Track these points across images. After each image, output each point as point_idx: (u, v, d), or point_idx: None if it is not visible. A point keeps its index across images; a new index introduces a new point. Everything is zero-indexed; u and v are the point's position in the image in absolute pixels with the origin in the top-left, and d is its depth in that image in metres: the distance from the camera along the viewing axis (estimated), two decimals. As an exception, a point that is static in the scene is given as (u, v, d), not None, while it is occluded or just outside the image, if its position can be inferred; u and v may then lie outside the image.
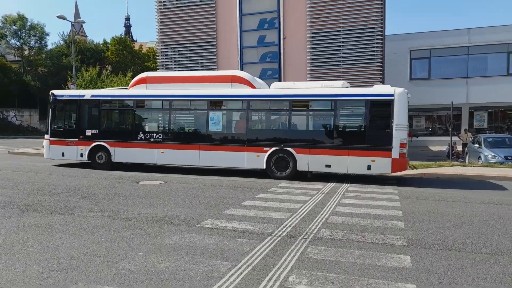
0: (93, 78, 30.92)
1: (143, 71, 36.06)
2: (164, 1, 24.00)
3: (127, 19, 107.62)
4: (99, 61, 45.16)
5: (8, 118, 37.04)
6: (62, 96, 15.10)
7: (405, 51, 29.64)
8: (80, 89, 26.07)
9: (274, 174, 12.64)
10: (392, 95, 11.61)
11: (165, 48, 24.61)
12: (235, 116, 13.67)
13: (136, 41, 74.38)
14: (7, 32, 42.76)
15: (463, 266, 4.86)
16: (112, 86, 28.00)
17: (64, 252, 5.18)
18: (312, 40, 21.42)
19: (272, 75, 22.78)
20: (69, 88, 25.67)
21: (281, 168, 12.64)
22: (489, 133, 26.00)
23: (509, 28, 27.59)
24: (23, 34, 42.88)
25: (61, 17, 23.95)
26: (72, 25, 27.88)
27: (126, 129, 14.67)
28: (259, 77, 22.56)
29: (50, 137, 14.89)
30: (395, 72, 27.78)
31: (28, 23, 42.39)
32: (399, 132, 11.48)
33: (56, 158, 14.88)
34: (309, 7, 21.11)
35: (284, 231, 6.33)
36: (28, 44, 43.67)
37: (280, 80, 22.31)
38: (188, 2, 23.51)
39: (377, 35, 20.28)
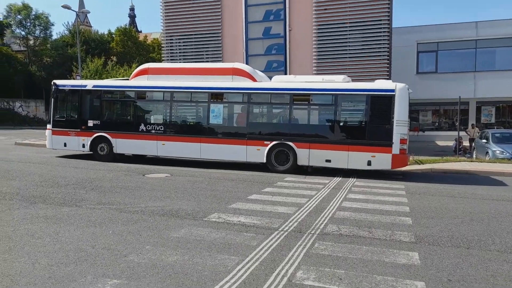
0: (98, 69, 30.91)
1: (148, 62, 36.02)
2: (169, -8, 23.85)
3: (132, 9, 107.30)
4: (104, 52, 45.11)
5: (14, 109, 37.19)
6: (64, 86, 15.02)
7: (412, 44, 29.33)
8: (85, 80, 26.09)
9: (274, 168, 12.64)
10: (393, 90, 11.55)
11: (170, 40, 24.51)
12: (236, 109, 13.66)
13: (141, 31, 74.19)
14: (12, 22, 42.72)
15: (472, 264, 4.83)
16: (117, 77, 28.00)
17: (72, 244, 5.20)
18: (318, 33, 21.24)
19: (278, 67, 22.65)
20: (74, 79, 25.68)
21: (281, 162, 12.64)
22: (497, 128, 25.79)
23: (519, 21, 27.24)
24: (28, 24, 42.85)
25: (65, 7, 23.88)
26: (77, 15, 27.73)
27: (127, 120, 14.60)
28: (264, 70, 22.48)
29: (52, 127, 14.87)
30: (401, 65, 27.52)
31: (33, 13, 42.36)
32: (399, 128, 11.44)
33: (58, 148, 14.88)
34: (315, -1, 20.91)
35: (291, 226, 6.33)
36: (33, 34, 43.66)
37: (285, 73, 22.18)
38: (194, -7, 23.36)
39: (384, 28, 20.08)
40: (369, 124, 11.85)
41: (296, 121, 12.95)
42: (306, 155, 12.35)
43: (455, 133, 21.77)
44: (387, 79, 20.55)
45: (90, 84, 15.01)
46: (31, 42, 43.92)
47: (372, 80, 20.29)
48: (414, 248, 5.37)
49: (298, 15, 21.59)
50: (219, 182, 10.45)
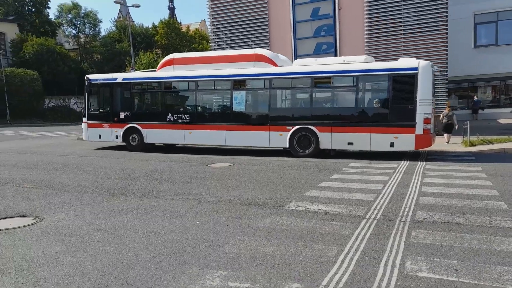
0: (150, 62, 31.71)
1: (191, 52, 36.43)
2: (215, -20, 23.77)
3: (171, 1, 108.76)
4: (149, 45, 46.14)
5: (70, 106, 39.06)
6: (96, 80, 15.57)
7: (469, 16, 27.50)
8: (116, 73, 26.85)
9: (297, 153, 12.64)
10: (416, 68, 11.21)
11: (217, 28, 24.50)
12: (258, 95, 13.70)
13: (180, 23, 75.11)
14: (64, 21, 44.66)
15: None
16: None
17: (166, 235, 5.30)
18: (370, 10, 20.37)
19: (327, 49, 22.06)
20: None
21: (304, 146, 12.60)
22: None
23: None
24: (78, 22, 44.62)
25: (117, 2, 24.46)
26: (120, 11, 28.47)
27: (155, 110, 14.95)
28: (314, 53, 22.03)
29: (88, 120, 15.49)
30: (457, 39, 25.90)
31: (82, 11, 44.03)
32: (423, 107, 11.13)
33: (94, 140, 15.53)
34: (367, -25, 20.04)
35: (377, 213, 6.11)
36: (83, 32, 45.45)
37: (335, 55, 21.59)
38: (239, -21, 23.13)
39: (442, -2, 18.94)
40: (392, 104, 11.59)
41: (317, 105, 12.86)
42: (328, 139, 12.28)
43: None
44: (445, 55, 19.54)
45: (120, 77, 15.44)
46: (82, 40, 45.74)
47: (429, 57, 19.38)
48: (521, 235, 5.00)
49: (347, -7, 20.83)
50: (283, 170, 10.35)
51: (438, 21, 19.04)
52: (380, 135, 11.60)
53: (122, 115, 14.97)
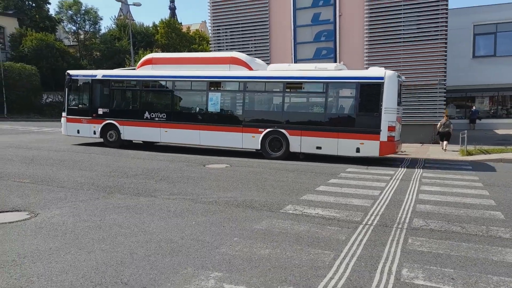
0: (149, 61, 31.59)
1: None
2: (217, -18, 23.80)
3: (172, 1, 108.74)
4: (149, 44, 46.06)
5: (68, 101, 38.77)
6: (77, 76, 15.81)
7: (468, 27, 27.71)
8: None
9: (268, 155, 12.97)
10: (382, 78, 11.61)
11: (217, 30, 24.50)
12: (232, 98, 14.03)
13: (181, 23, 75.09)
14: (64, 17, 44.54)
15: None
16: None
17: (161, 235, 5.26)
18: (370, 17, 20.47)
19: (327, 54, 22.12)
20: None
21: (275, 149, 12.95)
22: None
23: None
24: (78, 19, 44.50)
25: (119, 0, 24.41)
26: (120, 9, 28.45)
27: (133, 108, 15.19)
28: (313, 58, 22.08)
29: (67, 114, 15.71)
30: (456, 49, 26.05)
31: (83, 8, 43.93)
32: (387, 115, 11.53)
33: (72, 135, 15.73)
34: (368, -18, 20.16)
35: (374, 219, 6.10)
36: (83, 29, 45.32)
37: (335, 60, 21.66)
38: (241, -18, 23.17)
39: (442, 8, 19.05)
40: (358, 111, 11.99)
41: (288, 109, 13.11)
42: (298, 142, 12.62)
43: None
44: (444, 64, 19.63)
45: (100, 73, 15.66)
46: (82, 36, 45.61)
47: (428, 65, 19.46)
48: (517, 245, 5.00)
49: (349, -1, 20.93)
50: (280, 173, 10.34)
51: (438, 30, 19.15)
52: (347, 140, 11.98)
53: (100, 111, 15.20)
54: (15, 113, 32.94)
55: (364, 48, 20.73)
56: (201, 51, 45.90)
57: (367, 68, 20.57)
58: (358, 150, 11.87)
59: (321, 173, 10.41)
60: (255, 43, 23.41)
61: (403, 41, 20.00)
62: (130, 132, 14.85)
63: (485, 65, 26.82)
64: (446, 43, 19.58)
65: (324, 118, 12.48)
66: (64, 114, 15.89)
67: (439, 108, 19.22)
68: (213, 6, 23.84)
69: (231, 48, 24.07)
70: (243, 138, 13.24)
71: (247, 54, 23.10)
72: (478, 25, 27.69)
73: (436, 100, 19.36)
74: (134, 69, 15.80)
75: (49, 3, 42.39)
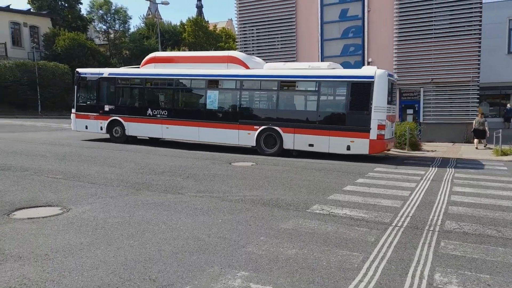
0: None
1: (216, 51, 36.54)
2: (243, -21, 23.79)
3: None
4: (177, 43, 46.62)
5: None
6: (85, 74, 16.50)
7: (503, 21, 26.53)
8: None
9: (263, 151, 13.30)
10: (372, 77, 11.76)
11: (243, 28, 24.51)
12: (230, 95, 14.36)
13: (208, 21, 75.69)
14: (95, 17, 45.70)
15: None
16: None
17: (188, 232, 5.29)
18: (400, 12, 19.97)
19: (355, 51, 21.77)
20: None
21: (270, 145, 13.28)
22: None
23: None
24: (109, 18, 45.56)
25: None
26: (149, 8, 28.84)
27: (137, 105, 15.69)
28: (341, 54, 21.77)
29: (76, 111, 16.46)
30: (490, 44, 25.01)
31: (113, 8, 44.92)
32: (377, 114, 11.71)
33: (81, 130, 16.41)
34: (398, -24, 19.66)
35: (404, 221, 5.94)
36: (113, 28, 46.36)
37: (363, 57, 21.30)
38: (268, -22, 23.06)
39: (476, 2, 18.35)
40: (349, 110, 12.21)
41: (282, 107, 13.40)
42: (291, 140, 12.92)
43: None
44: (478, 60, 18.92)
45: (106, 72, 16.23)
46: (111, 35, 46.67)
47: (461, 62, 18.80)
48: (559, 251, 4.74)
49: (378, -6, 20.49)
50: (306, 172, 10.24)
51: (472, 25, 18.49)
52: (338, 138, 12.22)
53: (106, 108, 15.81)
54: (48, 111, 34.08)
55: (394, 44, 20.26)
56: (227, 49, 46.11)
57: (396, 64, 20.18)
58: (348, 148, 12.11)
59: (348, 173, 10.24)
60: (281, 41, 23.28)
61: (435, 37, 19.42)
62: (134, 128, 15.43)
63: (522, 61, 25.67)
64: (480, 38, 18.87)
65: (316, 116, 12.71)
66: (73, 110, 16.64)
67: (472, 106, 18.57)
68: (239, 3, 23.86)
69: (258, 46, 24.05)
70: (239, 135, 13.65)
71: (273, 52, 23.23)
72: (514, 19, 26.50)
73: (469, 98, 18.71)
74: (139, 67, 16.33)
75: (81, 3, 43.44)
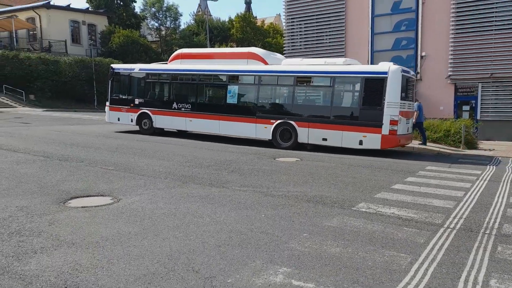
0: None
1: (264, 47, 36.55)
2: (292, -27, 23.57)
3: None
4: (225, 39, 47.22)
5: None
6: (118, 69, 17.49)
7: None
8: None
9: (279, 145, 13.68)
10: (386, 72, 11.83)
11: (291, 22, 24.31)
12: (248, 90, 14.91)
13: (256, 17, 75.97)
14: (147, 14, 47.48)
15: None
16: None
17: (231, 226, 5.34)
18: (458, 4, 18.91)
19: (407, 45, 20.97)
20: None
21: (285, 139, 13.64)
22: None
23: None
24: (160, 16, 47.15)
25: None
26: (199, 5, 29.35)
27: (164, 99, 16.54)
28: (392, 48, 21.02)
29: (110, 104, 17.48)
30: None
31: (165, 5, 46.44)
32: (390, 109, 11.80)
33: (114, 122, 17.48)
34: (457, -35, 18.60)
35: (457, 223, 5.61)
36: (164, 25, 47.93)
37: (416, 51, 20.45)
38: (317, -29, 22.69)
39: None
40: (362, 105, 12.35)
41: (298, 102, 13.85)
42: (306, 134, 13.20)
43: None
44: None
45: (137, 67, 17.22)
46: (163, 32, 48.22)
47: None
48: None
49: (434, -15, 19.53)
50: (353, 169, 9.99)
51: (538, 15, 17.10)
52: (350, 133, 12.41)
53: (137, 101, 16.73)
54: (103, 105, 35.85)
55: (450, 37, 19.26)
56: (275, 44, 46.01)
57: (452, 58, 19.13)
58: (361, 142, 12.27)
59: (397, 170, 9.87)
60: (329, 35, 22.87)
61: (496, 29, 18.22)
62: (160, 120, 16.17)
63: None
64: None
65: (330, 111, 12.97)
66: (107, 103, 17.64)
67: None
68: (288, -2, 23.70)
69: (305, 41, 23.78)
70: (256, 128, 14.11)
71: (321, 47, 22.85)
72: None
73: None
74: (167, 63, 17.03)
75: (135, 1, 45.33)
